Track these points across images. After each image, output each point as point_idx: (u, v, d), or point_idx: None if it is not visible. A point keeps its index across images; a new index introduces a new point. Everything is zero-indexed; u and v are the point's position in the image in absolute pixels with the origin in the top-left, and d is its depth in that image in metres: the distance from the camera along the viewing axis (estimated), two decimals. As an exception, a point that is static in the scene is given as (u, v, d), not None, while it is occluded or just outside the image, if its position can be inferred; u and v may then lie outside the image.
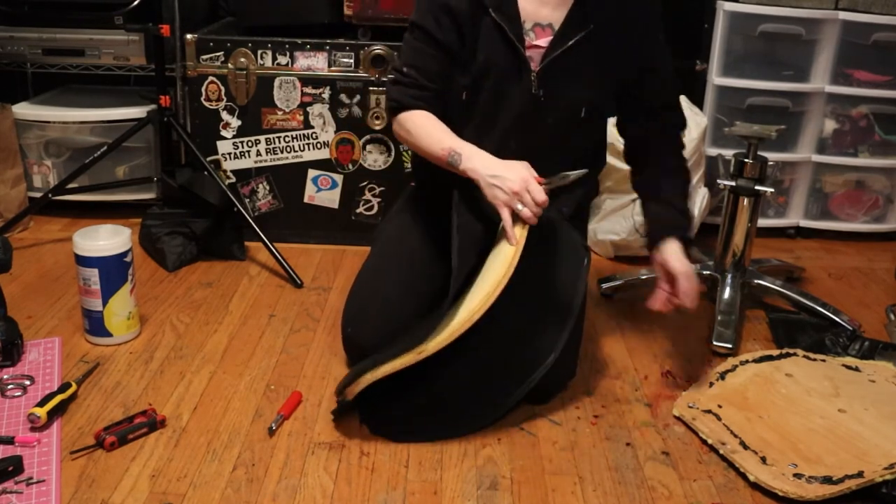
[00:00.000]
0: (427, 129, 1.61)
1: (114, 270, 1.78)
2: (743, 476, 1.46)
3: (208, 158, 2.36)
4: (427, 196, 1.85)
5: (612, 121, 2.47)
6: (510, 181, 1.51)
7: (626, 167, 2.34)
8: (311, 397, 1.66)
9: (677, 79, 1.75)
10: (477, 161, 1.55)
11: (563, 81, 1.62)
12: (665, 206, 1.71)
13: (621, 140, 2.37)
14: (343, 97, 2.34)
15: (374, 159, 2.39)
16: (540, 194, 1.51)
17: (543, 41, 1.61)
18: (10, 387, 1.63)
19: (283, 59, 2.32)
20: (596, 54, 1.61)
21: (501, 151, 1.58)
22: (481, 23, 1.61)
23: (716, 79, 2.50)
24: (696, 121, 2.38)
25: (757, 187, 2.01)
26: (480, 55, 1.62)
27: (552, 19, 1.61)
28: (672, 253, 1.65)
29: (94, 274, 1.76)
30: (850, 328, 1.98)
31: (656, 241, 1.68)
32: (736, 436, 1.54)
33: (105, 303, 1.78)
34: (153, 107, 2.40)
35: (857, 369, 1.79)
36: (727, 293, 2.03)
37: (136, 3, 2.40)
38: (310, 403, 1.64)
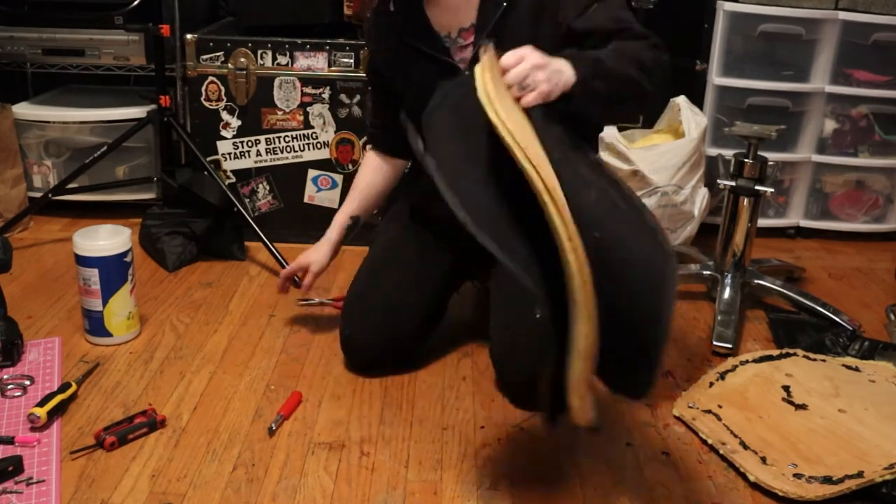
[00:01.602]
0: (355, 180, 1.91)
1: (114, 270, 1.78)
2: (743, 476, 1.46)
3: (208, 158, 2.36)
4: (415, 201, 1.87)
5: (612, 121, 2.48)
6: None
7: (626, 167, 2.35)
8: (311, 397, 1.66)
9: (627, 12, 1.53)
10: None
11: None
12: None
13: (621, 140, 2.38)
14: (343, 97, 2.35)
15: (374, 159, 2.39)
16: None
17: (470, 40, 1.61)
18: (10, 387, 1.63)
19: (283, 59, 2.32)
20: (520, 28, 1.52)
21: None
22: (404, 54, 1.64)
23: (716, 79, 2.50)
24: (696, 121, 2.39)
25: (757, 187, 2.01)
26: (413, 84, 1.64)
27: (472, 18, 1.60)
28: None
29: (94, 274, 1.76)
30: (850, 328, 1.98)
31: None
32: (736, 436, 1.54)
33: (105, 303, 1.78)
34: (153, 107, 2.40)
35: (857, 369, 1.79)
36: (727, 293, 2.03)
37: (136, 3, 2.40)
38: (310, 403, 1.64)
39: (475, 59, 1.50)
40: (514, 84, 1.25)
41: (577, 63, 1.32)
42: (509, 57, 1.26)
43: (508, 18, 1.54)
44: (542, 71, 1.26)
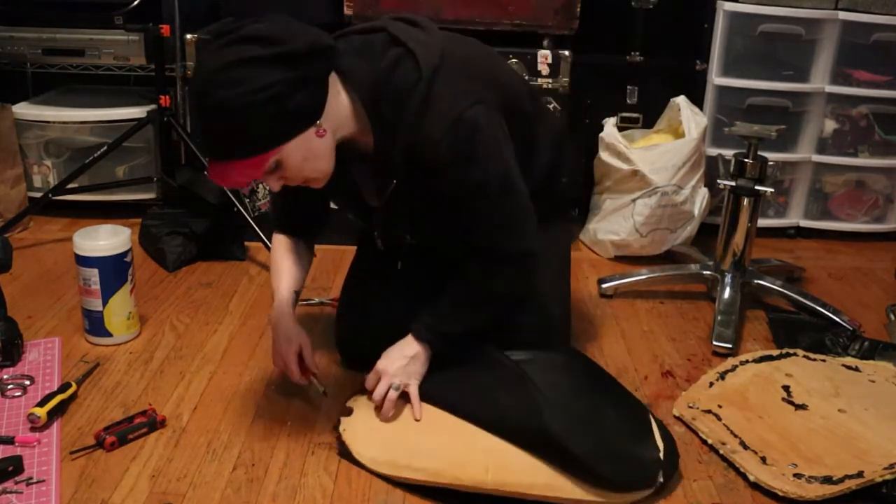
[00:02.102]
0: (274, 266, 1.68)
1: (114, 270, 1.78)
2: (743, 476, 1.46)
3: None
4: None
5: (610, 120, 2.49)
6: (286, 364, 1.57)
7: (625, 167, 2.36)
8: (310, 397, 1.65)
9: (507, 223, 1.48)
10: (274, 313, 1.62)
11: (395, 227, 1.57)
12: (439, 299, 1.53)
13: (621, 140, 2.38)
14: (343, 97, 2.34)
15: (374, 159, 2.39)
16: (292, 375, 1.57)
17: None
18: (10, 387, 1.63)
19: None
20: (409, 202, 1.49)
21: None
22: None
23: (716, 79, 2.50)
24: (696, 121, 2.39)
25: (757, 187, 2.01)
26: (335, 193, 1.62)
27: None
28: (389, 349, 1.54)
29: (94, 274, 1.76)
30: (850, 328, 1.98)
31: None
32: (736, 436, 1.54)
33: (105, 303, 1.78)
34: (153, 107, 2.40)
35: (857, 369, 1.79)
36: (727, 293, 2.03)
37: (136, 3, 2.40)
38: (310, 404, 1.63)
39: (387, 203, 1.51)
40: (380, 399, 1.48)
41: (426, 339, 1.51)
42: (370, 380, 1.52)
43: (401, 191, 1.47)
44: (398, 377, 1.49)
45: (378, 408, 1.50)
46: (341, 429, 1.47)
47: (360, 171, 1.50)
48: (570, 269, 1.81)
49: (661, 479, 1.38)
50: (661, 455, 1.43)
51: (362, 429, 1.47)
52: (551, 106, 2.34)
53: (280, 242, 1.68)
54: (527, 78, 2.32)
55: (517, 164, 1.46)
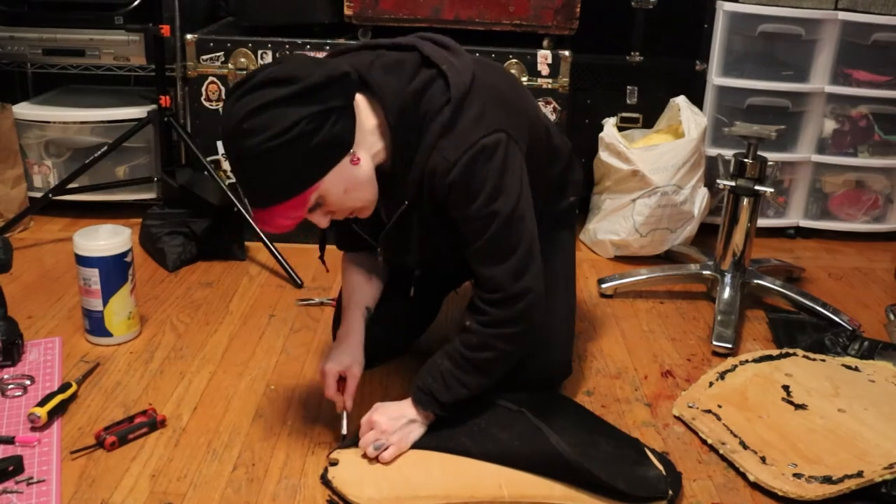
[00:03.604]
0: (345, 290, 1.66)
1: (114, 270, 1.78)
2: (743, 476, 1.46)
3: (208, 158, 2.36)
4: None
5: (610, 120, 2.49)
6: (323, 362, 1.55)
7: (625, 167, 2.36)
8: (311, 397, 1.66)
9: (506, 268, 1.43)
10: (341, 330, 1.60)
11: (398, 252, 1.55)
12: (442, 362, 1.49)
13: (621, 140, 2.39)
14: (343, 97, 2.34)
15: (374, 159, 2.39)
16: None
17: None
18: (10, 386, 1.63)
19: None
20: (417, 225, 1.48)
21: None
22: None
23: (716, 79, 2.50)
24: (695, 121, 2.39)
25: (757, 187, 2.02)
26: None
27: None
28: (391, 405, 1.50)
29: (94, 274, 1.76)
30: (850, 328, 1.98)
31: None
32: (736, 435, 1.54)
33: (105, 303, 1.79)
34: (153, 107, 2.40)
35: (856, 369, 1.79)
36: (727, 293, 2.03)
37: (136, 3, 2.40)
38: (310, 403, 1.64)
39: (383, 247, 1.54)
40: (369, 448, 1.43)
41: (428, 408, 1.46)
42: (363, 428, 1.46)
43: (404, 219, 1.46)
44: (393, 437, 1.44)
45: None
46: (330, 477, 1.40)
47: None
48: (574, 280, 1.78)
49: (671, 493, 1.39)
50: (664, 473, 1.43)
51: (353, 473, 1.41)
52: (551, 106, 2.35)
53: (349, 260, 1.67)
54: (527, 79, 2.32)
55: (530, 198, 1.44)
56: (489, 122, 1.36)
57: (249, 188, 1.29)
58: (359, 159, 1.32)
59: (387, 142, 1.39)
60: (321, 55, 2.29)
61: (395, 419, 1.46)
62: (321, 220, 1.37)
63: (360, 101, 1.35)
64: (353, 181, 1.32)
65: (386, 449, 1.43)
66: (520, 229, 1.41)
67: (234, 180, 2.39)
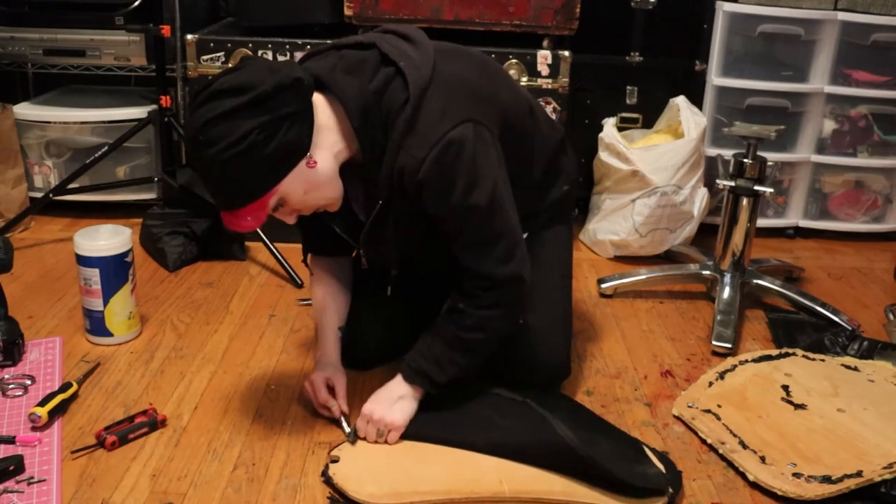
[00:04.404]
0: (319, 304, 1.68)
1: (114, 270, 1.78)
2: (742, 475, 1.46)
3: (209, 159, 2.36)
4: None
5: (610, 120, 2.49)
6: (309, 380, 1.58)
7: (625, 167, 2.36)
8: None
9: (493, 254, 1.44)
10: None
11: (378, 251, 1.56)
12: (433, 343, 1.51)
13: (621, 141, 2.39)
14: (343, 97, 2.34)
15: (375, 159, 2.39)
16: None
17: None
18: (11, 386, 1.64)
19: (283, 60, 2.32)
20: (393, 223, 1.48)
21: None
22: None
23: (715, 79, 2.50)
24: (695, 121, 2.39)
25: (756, 187, 2.02)
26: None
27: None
28: (379, 392, 1.53)
29: (94, 274, 1.77)
30: (850, 328, 1.99)
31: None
32: (735, 435, 1.55)
33: (106, 303, 1.79)
34: (154, 107, 2.41)
35: (856, 369, 1.80)
36: (726, 293, 2.03)
37: (136, 3, 2.40)
38: (310, 403, 1.64)
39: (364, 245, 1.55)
40: (371, 437, 1.48)
41: (416, 382, 1.50)
42: (359, 426, 1.50)
43: (381, 217, 1.46)
44: (385, 419, 1.48)
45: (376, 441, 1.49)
46: (331, 473, 1.40)
47: (352, 188, 1.49)
48: (571, 278, 1.78)
49: (672, 491, 1.39)
50: (664, 471, 1.43)
51: (354, 469, 1.41)
52: (551, 106, 2.35)
53: (317, 270, 1.69)
54: (527, 79, 2.33)
55: (508, 183, 1.45)
56: (453, 114, 1.36)
57: (213, 193, 1.33)
58: (315, 162, 1.34)
59: (353, 141, 1.40)
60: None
61: (382, 402, 1.50)
62: (288, 218, 1.41)
63: (321, 103, 1.37)
64: (311, 182, 1.35)
65: (389, 432, 1.48)
66: (501, 216, 1.42)
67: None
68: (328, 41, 1.46)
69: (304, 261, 1.69)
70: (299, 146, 1.31)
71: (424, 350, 1.50)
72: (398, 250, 1.50)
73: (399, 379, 1.52)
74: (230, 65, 2.33)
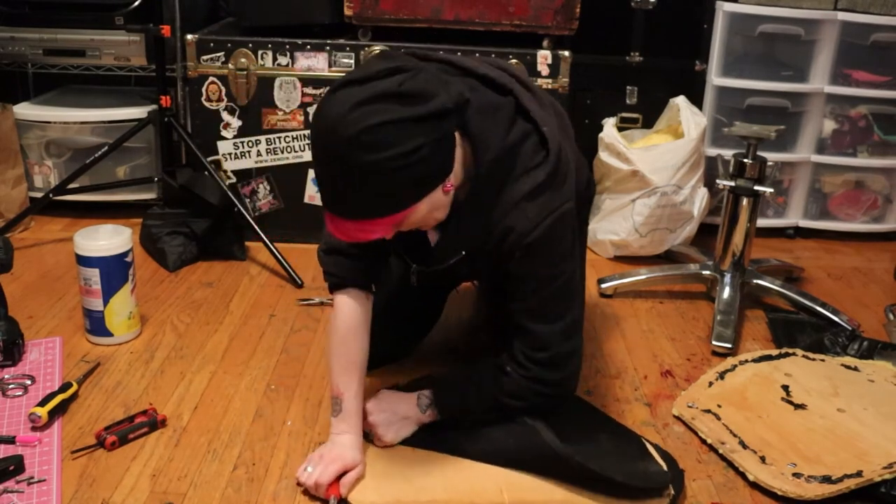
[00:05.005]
0: (340, 349, 1.47)
1: (114, 270, 1.78)
2: (742, 475, 1.46)
3: (209, 158, 2.36)
4: None
5: (610, 120, 2.49)
6: (317, 471, 1.37)
7: (625, 167, 2.36)
8: (311, 397, 1.66)
9: (559, 328, 1.42)
10: (341, 425, 1.44)
11: (439, 280, 1.53)
12: (470, 391, 1.48)
13: (620, 141, 2.39)
14: (343, 97, 2.34)
15: (375, 159, 2.39)
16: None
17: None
18: (11, 386, 1.64)
19: (283, 60, 2.33)
20: (466, 267, 1.45)
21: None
22: None
23: (715, 79, 2.50)
24: (695, 121, 2.39)
25: (756, 187, 2.02)
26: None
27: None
28: (390, 397, 1.50)
29: (94, 274, 1.77)
30: (850, 328, 1.99)
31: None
32: (735, 435, 1.55)
33: (106, 303, 1.79)
34: (154, 107, 2.41)
35: (856, 369, 1.80)
36: (726, 293, 2.03)
37: (136, 3, 2.40)
38: (310, 403, 1.64)
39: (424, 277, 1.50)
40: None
41: (443, 413, 1.48)
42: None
43: (459, 262, 1.43)
44: (378, 432, 1.46)
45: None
46: None
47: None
48: (584, 292, 1.73)
49: (673, 491, 1.39)
50: (666, 468, 1.43)
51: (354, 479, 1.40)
52: (551, 106, 2.35)
53: (345, 314, 1.48)
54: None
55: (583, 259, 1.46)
56: (569, 188, 1.36)
57: (341, 197, 1.21)
58: (451, 187, 1.28)
59: (466, 183, 1.35)
60: (321, 56, 2.32)
61: (390, 418, 1.48)
62: (388, 233, 1.29)
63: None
64: (436, 204, 1.28)
65: (376, 439, 1.47)
66: (575, 290, 1.43)
67: (234, 181, 2.40)
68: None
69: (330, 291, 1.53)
70: (449, 168, 1.26)
71: (457, 393, 1.48)
72: (459, 281, 1.49)
73: (413, 403, 1.49)
74: (230, 65, 2.33)
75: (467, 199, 1.36)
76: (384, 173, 1.16)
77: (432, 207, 1.28)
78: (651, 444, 1.51)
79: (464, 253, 1.40)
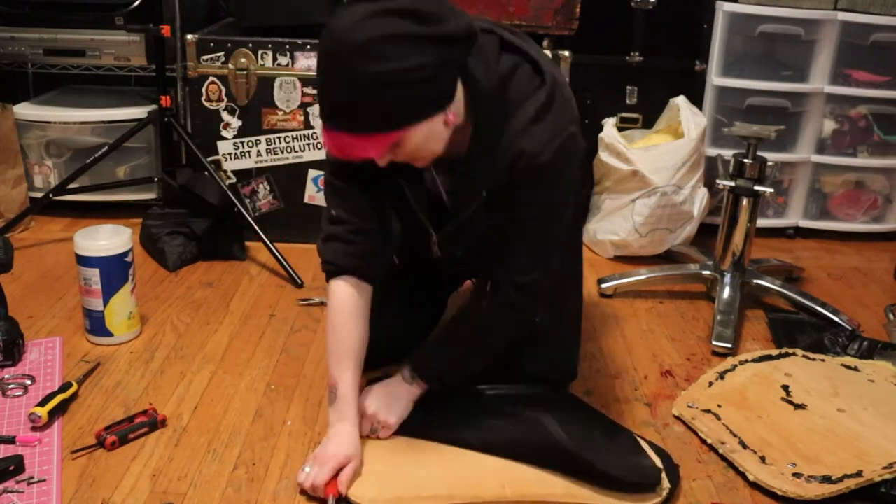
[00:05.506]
0: (334, 336, 1.46)
1: (114, 270, 1.78)
2: (742, 475, 1.46)
3: (209, 158, 2.36)
4: None
5: (610, 120, 2.49)
6: (313, 472, 1.35)
7: (625, 167, 2.36)
8: (311, 397, 1.66)
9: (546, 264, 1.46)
10: (334, 415, 1.43)
11: (461, 240, 1.53)
12: (450, 343, 1.53)
13: (621, 141, 2.39)
14: (343, 97, 2.34)
15: (375, 159, 2.39)
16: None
17: (439, 185, 1.47)
18: (11, 386, 1.64)
19: (283, 60, 2.33)
20: (487, 214, 1.45)
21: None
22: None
23: (715, 79, 2.50)
24: (695, 121, 2.39)
25: (756, 187, 2.02)
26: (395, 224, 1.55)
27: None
28: (378, 387, 1.52)
29: (94, 274, 1.77)
30: (850, 328, 1.99)
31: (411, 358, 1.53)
32: (735, 435, 1.55)
33: (106, 303, 1.79)
34: (154, 107, 2.41)
35: (856, 369, 1.80)
36: (727, 293, 2.03)
37: (136, 3, 2.40)
38: (310, 403, 1.64)
39: (445, 240, 1.51)
40: (365, 433, 1.47)
41: (421, 377, 1.50)
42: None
43: (478, 211, 1.44)
44: (381, 419, 1.48)
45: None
46: None
47: (432, 178, 1.45)
48: (582, 288, 1.75)
49: (669, 486, 1.39)
50: (659, 464, 1.43)
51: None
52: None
53: (342, 303, 1.46)
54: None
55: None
56: (572, 110, 1.38)
57: (341, 108, 1.22)
58: (453, 118, 1.28)
59: (464, 124, 1.35)
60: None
61: (387, 401, 1.50)
62: (382, 161, 1.30)
63: None
64: (435, 135, 1.28)
65: (381, 429, 1.48)
66: (567, 216, 1.45)
67: (234, 181, 2.40)
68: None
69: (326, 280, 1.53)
70: (449, 98, 1.26)
71: (432, 352, 1.51)
72: (476, 243, 1.48)
73: (399, 380, 1.52)
74: (230, 65, 2.33)
75: (473, 137, 1.36)
76: (386, 86, 1.17)
77: (430, 136, 1.27)
78: (644, 440, 1.51)
79: (484, 194, 1.40)
